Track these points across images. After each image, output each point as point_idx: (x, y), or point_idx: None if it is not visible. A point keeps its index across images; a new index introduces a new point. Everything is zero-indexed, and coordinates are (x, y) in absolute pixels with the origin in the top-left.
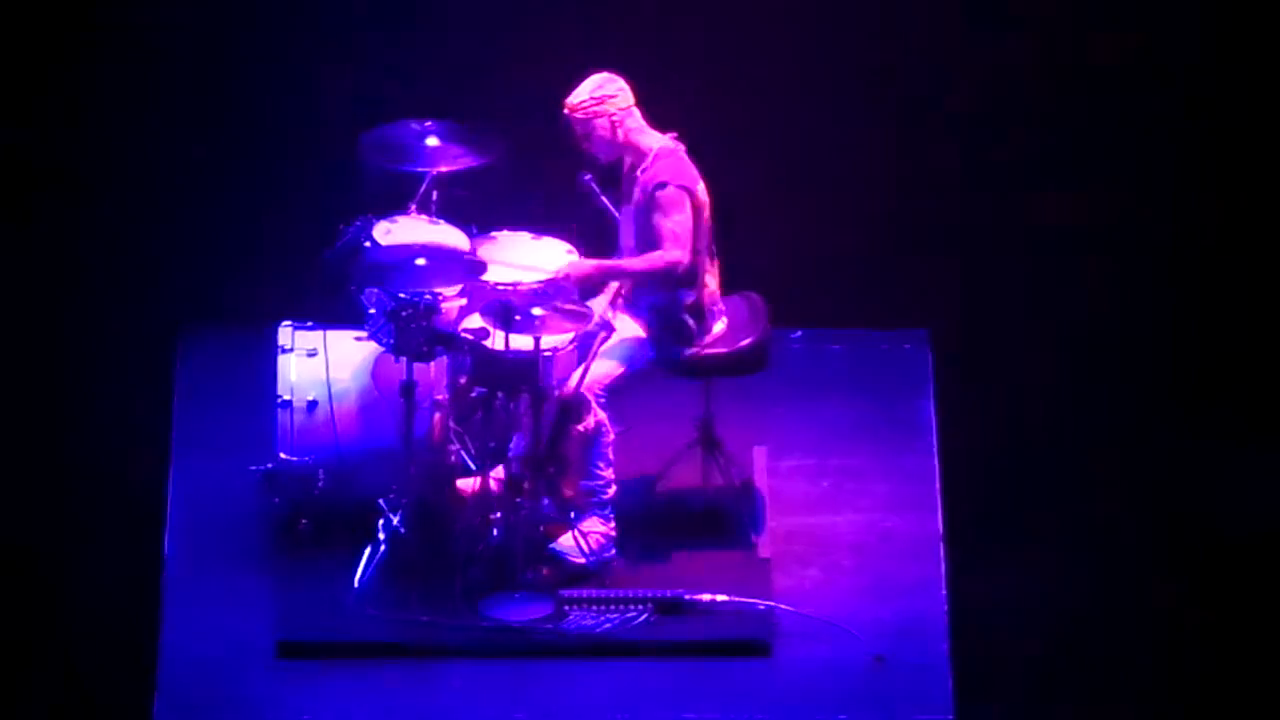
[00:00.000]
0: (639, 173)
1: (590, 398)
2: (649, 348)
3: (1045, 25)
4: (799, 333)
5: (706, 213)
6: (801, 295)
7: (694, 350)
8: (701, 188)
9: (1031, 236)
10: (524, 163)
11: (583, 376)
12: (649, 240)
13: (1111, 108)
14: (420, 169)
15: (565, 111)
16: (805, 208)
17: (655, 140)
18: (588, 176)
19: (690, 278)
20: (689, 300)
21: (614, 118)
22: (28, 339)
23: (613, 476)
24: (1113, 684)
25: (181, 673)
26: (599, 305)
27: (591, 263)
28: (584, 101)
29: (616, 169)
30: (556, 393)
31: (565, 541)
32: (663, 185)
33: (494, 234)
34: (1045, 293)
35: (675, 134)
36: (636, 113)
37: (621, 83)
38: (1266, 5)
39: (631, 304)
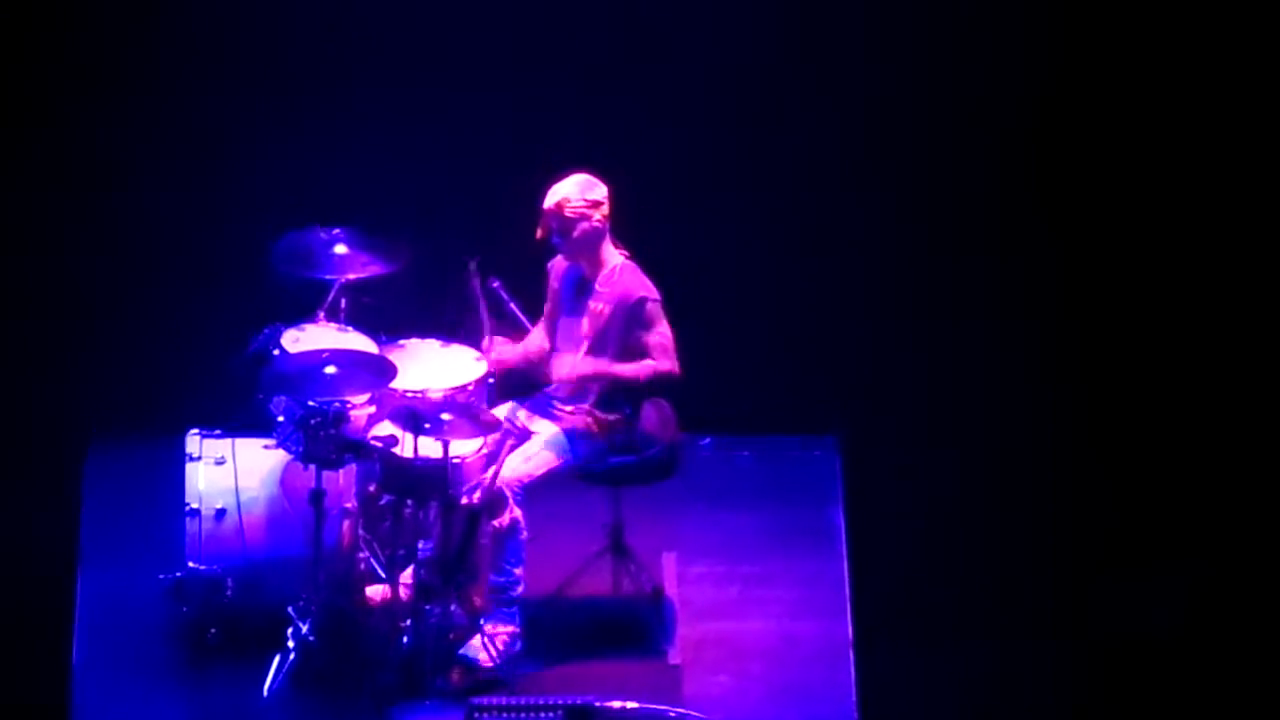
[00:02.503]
0: (598, 285)
1: (508, 494)
2: (570, 451)
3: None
4: (708, 439)
5: None
6: (710, 402)
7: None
8: None
9: (940, 344)
10: (432, 270)
11: (495, 474)
12: (630, 351)
13: (1024, 222)
14: (329, 276)
15: (554, 204)
16: (712, 314)
17: (614, 255)
18: (496, 284)
19: (676, 386)
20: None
21: (597, 224)
22: None
23: (522, 575)
24: None
25: None
26: (504, 412)
27: (591, 362)
28: (577, 203)
29: (541, 277)
30: (465, 500)
31: (474, 646)
32: (643, 301)
33: (403, 341)
34: (954, 400)
35: (627, 252)
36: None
37: (606, 190)
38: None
39: (563, 406)
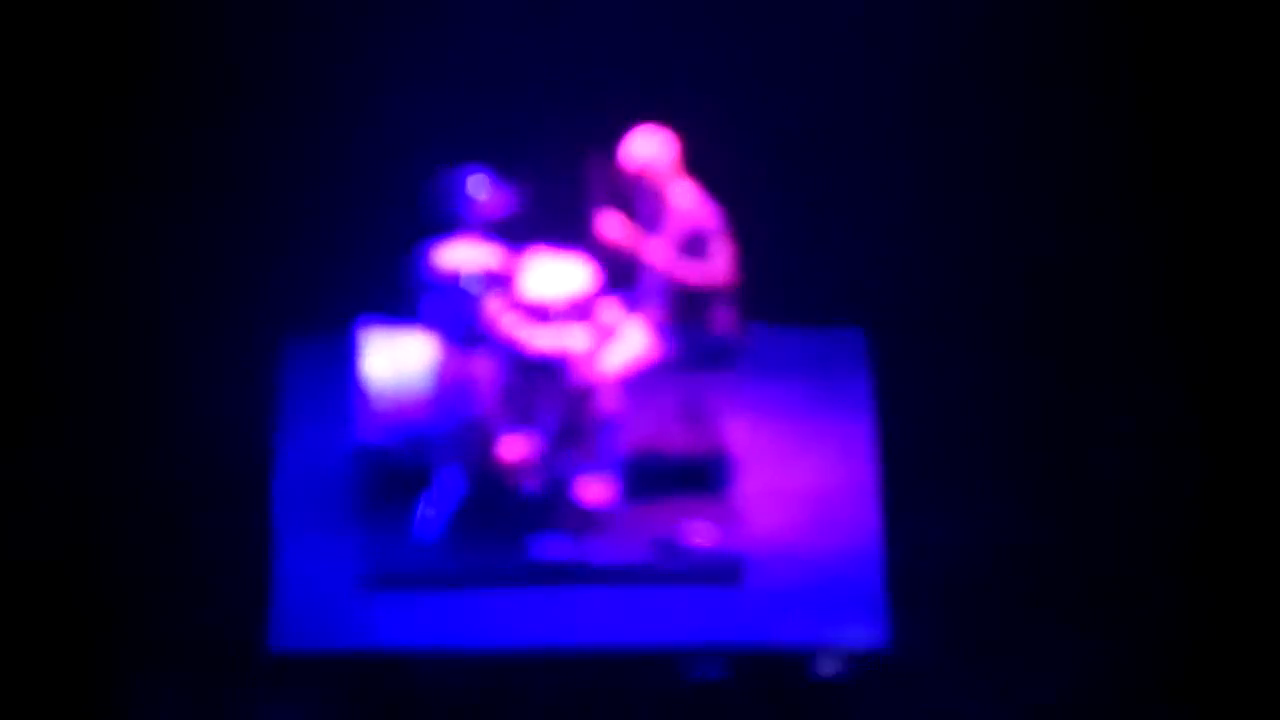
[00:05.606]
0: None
1: (614, 384)
2: (663, 341)
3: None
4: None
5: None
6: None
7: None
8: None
9: (967, 230)
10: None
11: (603, 366)
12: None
13: (1063, 106)
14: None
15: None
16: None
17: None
18: None
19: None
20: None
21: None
22: (142, 340)
23: (626, 446)
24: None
25: (293, 599)
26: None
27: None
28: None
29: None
30: (586, 380)
31: (588, 491)
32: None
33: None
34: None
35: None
36: None
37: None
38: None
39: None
